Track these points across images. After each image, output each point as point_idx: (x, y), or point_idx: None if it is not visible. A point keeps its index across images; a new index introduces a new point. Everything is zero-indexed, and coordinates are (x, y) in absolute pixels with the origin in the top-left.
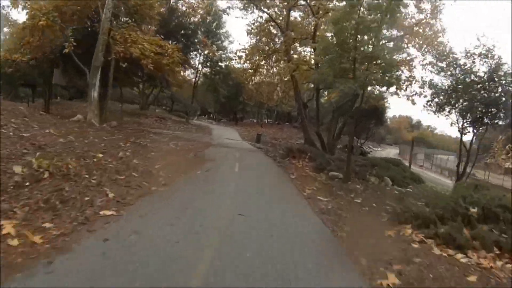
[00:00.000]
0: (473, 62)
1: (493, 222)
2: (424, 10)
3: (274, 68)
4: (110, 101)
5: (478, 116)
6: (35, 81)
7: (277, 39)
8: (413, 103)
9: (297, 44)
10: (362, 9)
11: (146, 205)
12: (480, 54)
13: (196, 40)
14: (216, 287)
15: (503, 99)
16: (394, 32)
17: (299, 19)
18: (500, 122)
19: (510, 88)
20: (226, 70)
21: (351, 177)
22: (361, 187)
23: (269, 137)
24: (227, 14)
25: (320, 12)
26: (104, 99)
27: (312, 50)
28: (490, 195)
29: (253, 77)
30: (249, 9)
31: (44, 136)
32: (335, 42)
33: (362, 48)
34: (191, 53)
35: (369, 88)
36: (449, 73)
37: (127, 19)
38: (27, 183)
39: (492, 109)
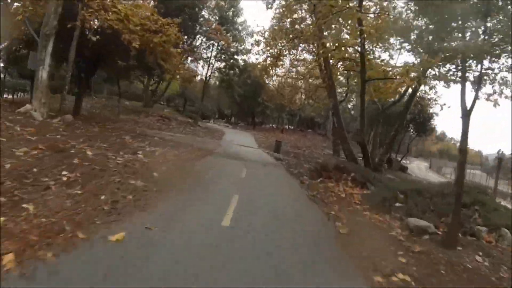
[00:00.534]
0: None
1: None
2: None
3: (298, 67)
4: (119, 97)
5: None
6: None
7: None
8: (496, 104)
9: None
10: None
11: None
12: None
13: (201, 20)
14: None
15: None
16: None
17: None
18: None
19: None
20: (243, 65)
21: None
22: (486, 262)
23: (290, 145)
24: None
25: None
26: (79, 88)
27: (357, 25)
28: None
29: (274, 68)
30: None
31: None
32: None
33: None
34: (197, 39)
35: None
36: None
37: None
38: None
39: None
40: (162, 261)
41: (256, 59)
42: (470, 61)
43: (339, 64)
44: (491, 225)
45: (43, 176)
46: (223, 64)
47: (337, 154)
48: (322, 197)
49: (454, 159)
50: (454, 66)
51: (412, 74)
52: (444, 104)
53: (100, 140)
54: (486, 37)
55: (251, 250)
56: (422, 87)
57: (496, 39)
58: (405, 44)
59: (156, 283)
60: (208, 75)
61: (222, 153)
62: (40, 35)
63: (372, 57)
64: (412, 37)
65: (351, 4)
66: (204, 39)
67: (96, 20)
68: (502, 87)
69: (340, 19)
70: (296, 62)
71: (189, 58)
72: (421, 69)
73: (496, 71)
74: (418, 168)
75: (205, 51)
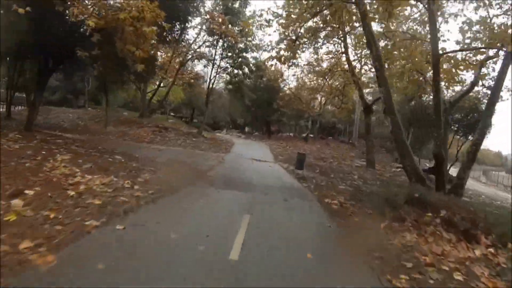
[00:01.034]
0: None
1: None
2: None
3: (317, 65)
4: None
5: None
6: None
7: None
8: None
9: None
10: None
11: None
12: None
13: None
14: None
15: None
16: None
17: None
18: None
19: None
20: (254, 63)
21: None
22: None
23: (313, 156)
24: None
25: None
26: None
27: None
28: None
29: (290, 54)
30: None
31: None
32: None
33: None
34: (198, 35)
35: None
36: None
37: None
38: None
39: None
40: None
41: (269, 51)
42: None
43: None
44: None
45: None
46: (230, 62)
47: (372, 165)
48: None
49: (481, 163)
50: None
51: None
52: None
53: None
54: None
55: None
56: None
57: None
58: None
59: None
60: (212, 77)
61: (221, 175)
62: None
63: None
64: None
65: None
66: (206, 34)
67: None
68: None
69: None
70: (315, 57)
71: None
72: None
73: None
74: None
75: (208, 49)
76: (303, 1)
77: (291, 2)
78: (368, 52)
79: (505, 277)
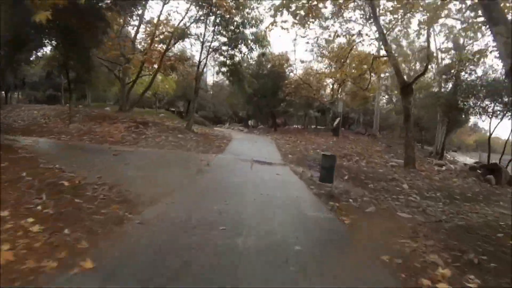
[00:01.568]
0: None
1: None
2: None
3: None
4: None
5: None
6: None
7: None
8: None
9: None
10: None
11: None
12: None
13: None
14: None
15: None
16: None
17: None
18: None
19: None
20: (253, 39)
21: None
22: None
23: (333, 152)
24: None
25: None
26: None
27: None
28: None
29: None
30: None
31: None
32: None
33: None
34: None
35: None
36: None
37: None
38: None
39: None
40: None
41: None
42: None
43: None
44: None
45: None
46: (224, 40)
47: (412, 164)
48: None
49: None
50: None
51: None
52: None
53: None
54: None
55: None
56: None
57: None
58: None
59: None
60: (202, 58)
61: (170, 217)
62: None
63: None
64: None
65: None
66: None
67: None
68: None
69: None
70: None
71: None
72: None
73: None
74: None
75: (195, 25)
76: None
77: None
78: None
79: None
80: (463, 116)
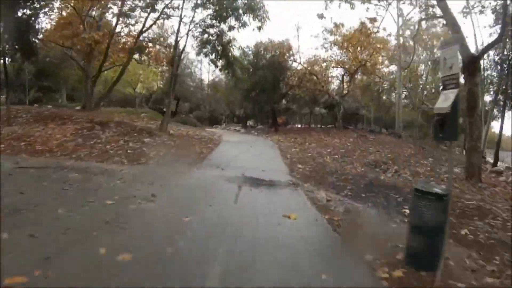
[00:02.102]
0: None
1: None
2: None
3: None
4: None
5: None
6: None
7: None
8: None
9: None
10: None
11: None
12: None
13: None
14: None
15: None
16: None
17: None
18: None
19: None
20: (246, 9)
21: None
22: None
23: (356, 159)
24: None
25: None
26: None
27: None
28: None
29: None
30: None
31: None
32: None
33: None
34: None
35: None
36: None
37: None
38: None
39: None
40: None
41: None
42: None
43: None
44: None
45: None
46: (209, 12)
47: (477, 176)
48: None
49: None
50: None
51: None
52: None
53: None
54: None
55: None
56: None
57: None
58: None
59: None
60: (180, 37)
61: None
62: None
63: None
64: None
65: None
66: None
67: None
68: None
69: None
70: None
71: None
72: None
73: None
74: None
75: None
76: None
77: None
78: None
79: None
80: None
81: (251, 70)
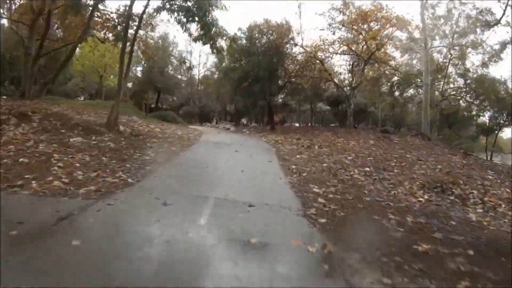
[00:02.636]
0: None
1: None
2: None
3: None
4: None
5: None
6: None
7: None
8: None
9: None
10: None
11: None
12: None
13: None
14: None
15: None
16: None
17: None
18: None
19: None
20: None
21: None
22: None
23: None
24: None
25: None
26: None
27: None
28: None
29: None
30: None
31: None
32: None
33: None
34: None
35: None
36: None
37: None
38: None
39: None
40: None
41: None
42: None
43: None
44: None
45: None
46: None
47: None
48: None
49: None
50: None
51: None
52: None
53: None
54: None
55: None
56: None
57: None
58: None
59: None
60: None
61: None
62: None
63: None
64: None
65: None
66: None
67: None
68: None
69: None
70: None
71: None
72: None
73: None
74: None
75: None
76: None
77: None
78: None
79: None
80: None
81: (242, 57)
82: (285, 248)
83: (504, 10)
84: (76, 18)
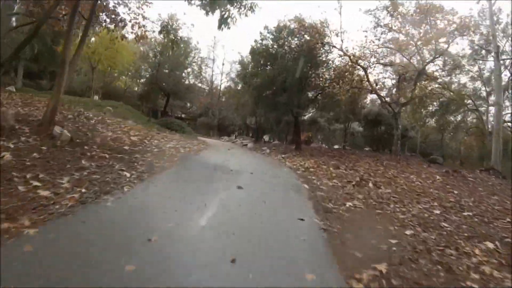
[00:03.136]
0: None
1: None
2: None
3: None
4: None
5: None
6: None
7: None
8: None
9: None
10: None
11: None
12: None
13: None
14: None
15: None
16: None
17: None
18: None
19: None
20: None
21: None
22: None
23: None
24: None
25: None
26: None
27: None
28: None
29: None
30: None
31: None
32: None
33: None
34: None
35: None
36: None
37: None
38: None
39: None
40: None
41: None
42: None
43: None
44: None
45: None
46: None
47: None
48: None
49: None
50: None
51: None
52: None
53: None
54: None
55: None
56: None
57: None
58: None
59: None
60: None
61: None
62: None
63: None
64: None
65: None
66: None
67: None
68: None
69: None
70: None
71: None
72: None
73: None
74: None
75: None
76: None
77: None
78: None
79: None
80: None
81: (268, 62)
82: None
83: None
84: None
